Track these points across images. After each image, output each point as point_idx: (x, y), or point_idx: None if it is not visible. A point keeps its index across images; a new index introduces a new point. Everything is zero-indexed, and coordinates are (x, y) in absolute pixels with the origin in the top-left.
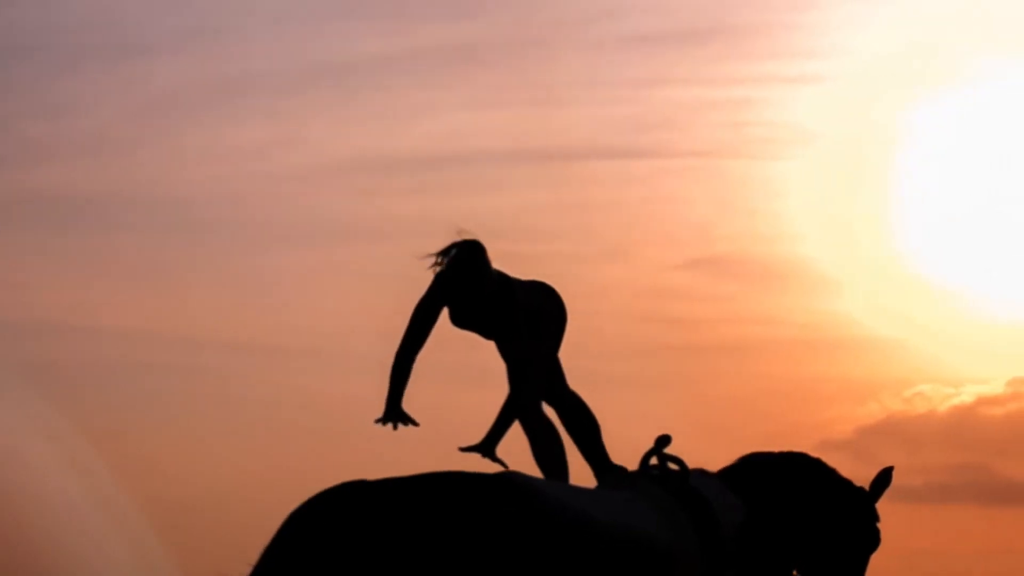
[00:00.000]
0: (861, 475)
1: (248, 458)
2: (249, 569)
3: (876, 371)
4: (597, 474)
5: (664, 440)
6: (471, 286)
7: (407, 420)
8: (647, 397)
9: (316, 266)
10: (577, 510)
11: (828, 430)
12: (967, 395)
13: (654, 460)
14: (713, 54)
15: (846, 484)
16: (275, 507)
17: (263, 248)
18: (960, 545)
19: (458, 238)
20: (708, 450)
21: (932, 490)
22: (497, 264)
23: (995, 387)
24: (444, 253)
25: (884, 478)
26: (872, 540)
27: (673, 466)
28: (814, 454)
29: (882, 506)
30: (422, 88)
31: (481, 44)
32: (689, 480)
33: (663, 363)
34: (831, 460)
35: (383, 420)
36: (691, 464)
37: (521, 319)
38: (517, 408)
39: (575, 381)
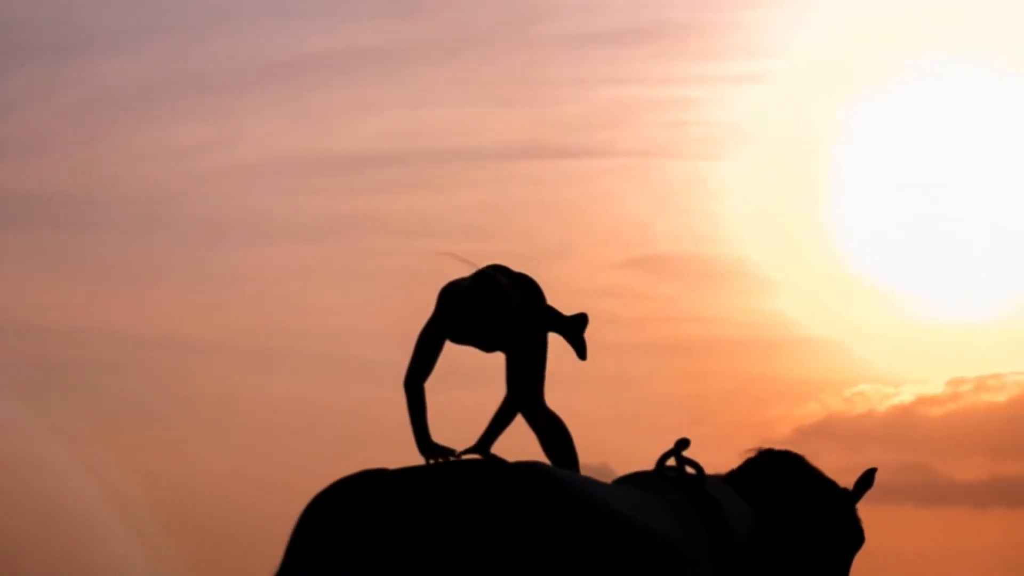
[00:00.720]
0: None
1: (202, 454)
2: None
3: (816, 371)
4: None
5: (683, 443)
6: (484, 329)
7: (443, 453)
8: (587, 397)
9: (258, 264)
10: (599, 500)
11: (768, 429)
12: (907, 395)
13: (671, 462)
14: (653, 54)
15: (832, 485)
16: (245, 502)
17: (202, 246)
18: (900, 544)
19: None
20: (648, 449)
21: (872, 489)
22: (443, 266)
23: (934, 387)
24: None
25: (867, 479)
26: (857, 540)
27: (690, 470)
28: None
29: None
30: (364, 87)
31: (422, 43)
32: (705, 485)
33: (602, 362)
34: None
35: (425, 458)
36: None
37: (526, 338)
38: (515, 409)
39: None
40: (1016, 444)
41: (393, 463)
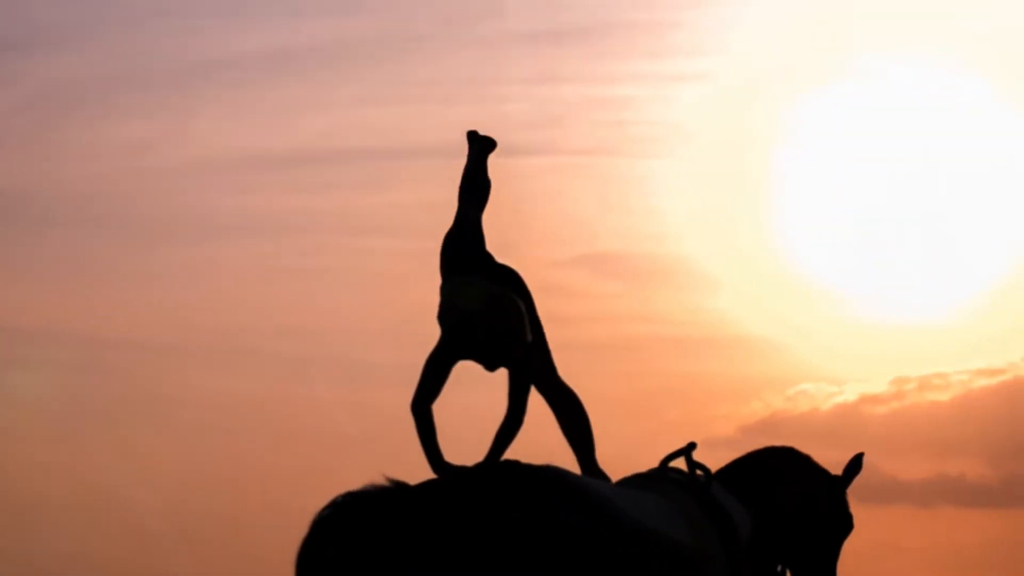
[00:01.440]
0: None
1: (151, 453)
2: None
3: (759, 370)
4: (584, 470)
5: (692, 446)
6: (500, 356)
7: (457, 472)
8: (530, 395)
9: (200, 263)
10: (612, 505)
11: (711, 428)
12: (850, 394)
13: (679, 463)
14: (597, 53)
15: (823, 473)
16: (196, 501)
17: (147, 244)
18: (844, 542)
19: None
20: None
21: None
22: (382, 264)
23: (878, 386)
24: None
25: (855, 465)
26: (847, 525)
27: (698, 472)
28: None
29: None
30: (307, 84)
31: (366, 41)
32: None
33: None
34: (716, 459)
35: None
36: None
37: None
38: (517, 424)
39: (458, 380)
40: (960, 443)
41: (345, 459)
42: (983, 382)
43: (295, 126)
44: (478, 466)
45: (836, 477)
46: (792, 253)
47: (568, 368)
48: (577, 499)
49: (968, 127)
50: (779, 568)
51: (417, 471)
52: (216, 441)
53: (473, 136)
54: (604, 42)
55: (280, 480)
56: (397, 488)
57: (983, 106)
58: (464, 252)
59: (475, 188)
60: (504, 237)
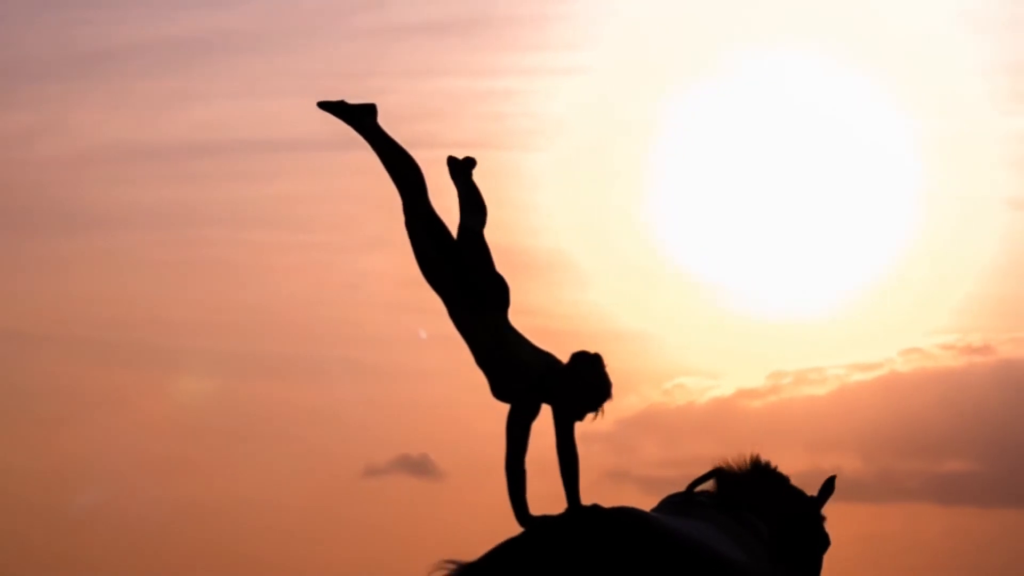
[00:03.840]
0: (622, 465)
1: (32, 445)
2: None
3: (634, 364)
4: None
5: (719, 471)
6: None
7: (541, 523)
8: (407, 388)
9: (75, 254)
10: (689, 539)
11: (587, 422)
12: (727, 388)
13: (708, 486)
14: (474, 46)
15: (801, 494)
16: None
17: (23, 235)
18: None
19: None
20: (469, 440)
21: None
22: (262, 256)
23: (755, 380)
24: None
25: (829, 487)
26: (825, 542)
27: (729, 494)
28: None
29: (639, 499)
30: (183, 77)
31: (243, 33)
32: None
33: (421, 354)
34: (592, 452)
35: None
36: None
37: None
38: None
39: (338, 371)
40: (836, 437)
41: (227, 449)
42: (859, 377)
43: (171, 118)
44: (563, 517)
45: (812, 498)
46: (668, 247)
47: (442, 362)
48: (663, 541)
49: (845, 123)
50: None
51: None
52: (101, 432)
53: (453, 162)
54: (482, 35)
55: (146, 470)
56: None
57: (863, 103)
58: (491, 281)
59: (476, 207)
60: (379, 231)
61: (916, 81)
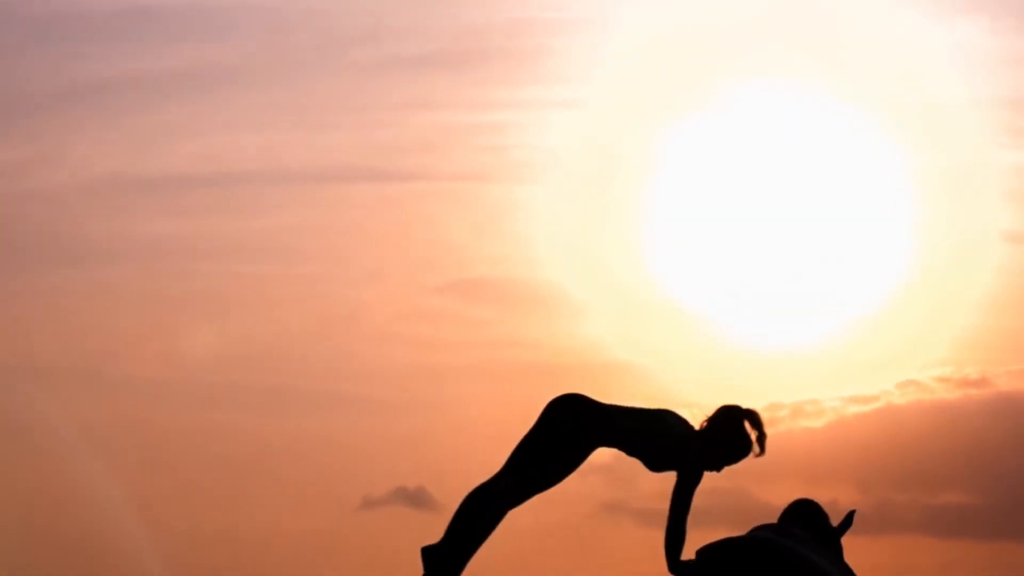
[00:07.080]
0: (619, 497)
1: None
2: None
3: (630, 395)
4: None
5: (813, 503)
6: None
7: (690, 570)
8: (403, 419)
9: (70, 286)
10: (817, 565)
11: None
12: None
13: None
14: (469, 79)
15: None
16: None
17: (17, 267)
18: None
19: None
20: (464, 473)
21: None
22: (258, 288)
23: None
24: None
25: (848, 521)
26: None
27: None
28: None
29: (635, 532)
30: (180, 109)
31: (238, 66)
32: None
33: (416, 386)
34: (588, 484)
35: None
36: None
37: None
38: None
39: (331, 404)
40: (833, 469)
41: (224, 482)
42: (855, 409)
43: (171, 150)
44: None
45: (835, 528)
46: (664, 280)
47: (439, 393)
48: (791, 563)
49: (840, 157)
50: None
51: (295, 495)
52: (77, 466)
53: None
54: (477, 69)
55: (141, 501)
56: None
57: (858, 136)
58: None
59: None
60: (377, 263)
61: (912, 114)
